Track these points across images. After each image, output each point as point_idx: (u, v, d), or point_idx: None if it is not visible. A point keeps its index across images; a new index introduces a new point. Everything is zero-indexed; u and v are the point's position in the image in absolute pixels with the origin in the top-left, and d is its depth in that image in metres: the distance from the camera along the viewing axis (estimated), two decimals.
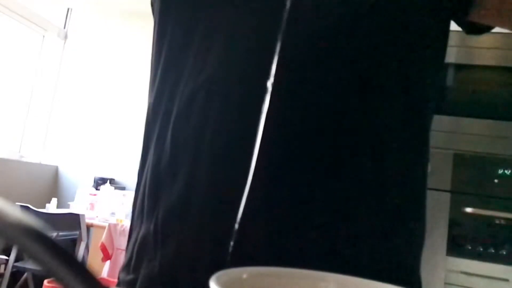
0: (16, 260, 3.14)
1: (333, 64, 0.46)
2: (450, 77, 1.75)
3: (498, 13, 0.54)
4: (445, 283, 1.56)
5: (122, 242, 2.94)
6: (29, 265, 3.15)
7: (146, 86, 0.57)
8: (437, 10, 0.51)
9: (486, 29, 0.57)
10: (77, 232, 3.15)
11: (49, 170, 4.28)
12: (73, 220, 3.08)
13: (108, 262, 2.98)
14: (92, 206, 3.47)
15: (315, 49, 0.46)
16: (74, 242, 3.23)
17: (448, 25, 0.54)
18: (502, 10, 0.53)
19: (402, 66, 0.49)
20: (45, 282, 2.87)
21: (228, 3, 0.49)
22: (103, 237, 2.96)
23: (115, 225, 3.03)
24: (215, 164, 0.46)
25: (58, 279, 0.20)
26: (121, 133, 4.17)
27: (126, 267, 0.53)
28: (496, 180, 1.59)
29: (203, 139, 0.46)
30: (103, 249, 2.93)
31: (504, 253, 1.54)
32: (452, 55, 1.67)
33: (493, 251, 1.55)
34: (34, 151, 4.30)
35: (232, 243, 0.43)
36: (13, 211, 0.20)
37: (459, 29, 0.58)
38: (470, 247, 1.57)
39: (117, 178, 4.08)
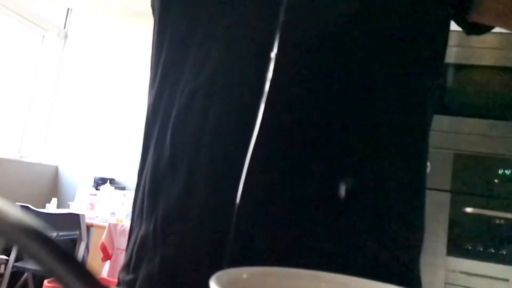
0: (16, 260, 3.14)
1: (330, 64, 0.46)
2: (450, 77, 1.75)
3: (497, 14, 0.54)
4: (445, 283, 1.56)
5: (122, 242, 2.94)
6: (29, 265, 3.15)
7: (146, 86, 0.57)
8: (437, 10, 0.51)
9: (486, 29, 0.57)
10: (77, 232, 3.15)
11: (49, 170, 4.28)
12: (73, 220, 3.08)
13: (108, 262, 2.98)
14: (92, 206, 3.47)
15: (312, 50, 0.46)
16: (74, 242, 3.23)
17: (448, 25, 0.54)
18: (501, 11, 0.53)
19: (401, 66, 0.49)
20: (45, 282, 2.87)
21: (228, 3, 0.49)
22: (103, 237, 2.96)
23: (115, 225, 3.03)
24: (214, 164, 0.46)
25: (58, 279, 0.20)
26: (121, 133, 4.17)
27: (126, 267, 0.53)
28: (496, 180, 1.59)
29: (203, 139, 0.47)
30: (103, 249, 2.93)
31: (504, 253, 1.54)
32: (452, 55, 1.67)
33: (493, 251, 1.55)
34: (34, 151, 4.30)
35: (231, 243, 0.43)
36: (13, 211, 0.20)
37: (459, 29, 0.58)
38: (470, 247, 1.57)
39: (117, 178, 4.08)
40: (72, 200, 3.80)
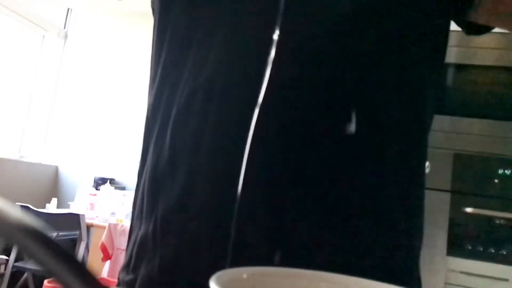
0: (16, 260, 3.14)
1: (329, 64, 0.46)
2: (450, 77, 1.75)
3: (497, 14, 0.54)
4: (445, 283, 1.56)
5: (122, 242, 2.94)
6: (29, 265, 3.15)
7: (146, 86, 0.57)
8: (437, 10, 0.51)
9: (486, 29, 0.57)
10: (77, 232, 3.15)
11: (49, 170, 4.28)
12: (73, 220, 3.08)
13: (108, 262, 2.98)
14: (92, 206, 3.47)
15: (311, 51, 0.46)
16: (74, 242, 3.23)
17: (448, 25, 0.54)
18: (500, 11, 0.53)
19: (401, 66, 0.49)
20: (45, 282, 2.87)
21: (227, 3, 0.49)
22: (103, 237, 2.96)
23: (115, 225, 3.03)
24: (214, 164, 0.46)
25: (58, 279, 0.20)
26: (121, 133, 4.17)
27: (126, 267, 0.53)
28: (496, 180, 1.59)
29: (202, 139, 0.47)
30: (103, 249, 2.93)
31: (504, 253, 1.54)
32: (452, 55, 1.67)
33: (493, 251, 1.55)
34: (34, 151, 4.30)
35: (231, 243, 0.43)
36: (13, 211, 0.20)
37: (459, 29, 0.58)
38: (470, 247, 1.57)
39: (117, 178, 4.08)
40: (72, 200, 3.80)
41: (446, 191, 1.61)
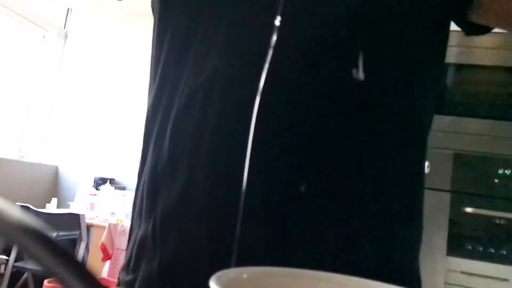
0: (16, 260, 3.14)
1: (328, 64, 0.46)
2: (450, 77, 1.75)
3: (497, 15, 0.54)
4: (445, 283, 1.56)
5: (122, 242, 2.94)
6: (29, 265, 3.15)
7: (146, 86, 0.57)
8: (437, 10, 0.51)
9: (485, 30, 0.57)
10: (77, 232, 3.15)
11: (49, 170, 4.28)
12: (73, 220, 3.08)
13: (108, 262, 2.98)
14: (92, 206, 3.47)
15: (310, 51, 0.46)
16: (74, 242, 3.23)
17: (448, 25, 0.54)
18: (500, 12, 0.53)
19: (401, 67, 0.49)
20: (45, 282, 2.87)
21: (227, 3, 0.50)
22: (103, 237, 2.96)
23: (115, 225, 3.03)
24: (213, 165, 0.46)
25: (58, 279, 0.20)
26: (121, 133, 4.17)
27: (126, 267, 0.53)
28: (496, 180, 1.59)
29: (202, 139, 0.47)
30: (103, 249, 2.93)
31: (504, 253, 1.54)
32: (452, 55, 1.67)
33: (493, 251, 1.55)
34: (34, 151, 4.30)
35: (236, 243, 0.43)
36: (13, 211, 0.20)
37: (459, 29, 0.58)
38: (470, 247, 1.57)
39: (117, 178, 4.08)
40: (72, 200, 3.80)
41: (446, 191, 1.61)
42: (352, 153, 0.46)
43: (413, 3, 0.50)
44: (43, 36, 4.41)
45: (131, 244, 0.54)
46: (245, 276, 0.27)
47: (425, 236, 0.52)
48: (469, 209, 1.57)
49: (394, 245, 0.49)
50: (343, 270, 0.29)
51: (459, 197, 1.60)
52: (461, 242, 1.58)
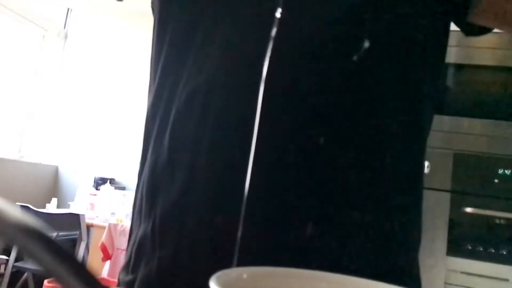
0: (16, 260, 3.14)
1: (328, 64, 0.46)
2: (450, 77, 1.75)
3: (496, 15, 0.54)
4: (445, 283, 1.56)
5: (122, 242, 2.94)
6: (29, 265, 3.15)
7: (146, 86, 0.57)
8: (436, 11, 0.52)
9: (485, 30, 0.57)
10: (77, 232, 3.15)
11: (49, 170, 4.28)
12: (73, 220, 3.08)
13: (108, 262, 2.98)
14: (92, 206, 3.47)
15: (309, 51, 0.46)
16: (74, 242, 3.23)
17: (448, 25, 0.54)
18: (499, 12, 0.53)
19: (401, 66, 0.49)
20: (45, 282, 2.87)
21: (227, 3, 0.50)
22: (103, 237, 2.96)
23: (115, 225, 3.03)
24: (213, 165, 0.46)
25: (58, 279, 0.20)
26: (121, 133, 4.17)
27: (126, 267, 0.53)
28: (496, 180, 1.59)
29: (202, 140, 0.46)
30: (103, 249, 2.93)
31: (504, 253, 1.54)
32: (452, 55, 1.67)
33: (493, 251, 1.55)
34: (34, 151, 4.30)
35: (231, 243, 0.43)
36: (13, 211, 0.20)
37: (459, 29, 0.58)
38: (470, 247, 1.57)
39: (117, 178, 4.08)
40: (72, 200, 3.80)
41: (446, 191, 1.61)
42: (353, 154, 0.46)
43: (413, 3, 0.50)
44: (43, 36, 4.41)
45: (131, 244, 0.54)
46: (245, 276, 0.27)
47: (425, 236, 0.52)
48: (469, 209, 1.57)
49: (394, 245, 0.49)
50: (343, 270, 0.29)
51: (459, 197, 1.60)
52: (461, 242, 1.58)
